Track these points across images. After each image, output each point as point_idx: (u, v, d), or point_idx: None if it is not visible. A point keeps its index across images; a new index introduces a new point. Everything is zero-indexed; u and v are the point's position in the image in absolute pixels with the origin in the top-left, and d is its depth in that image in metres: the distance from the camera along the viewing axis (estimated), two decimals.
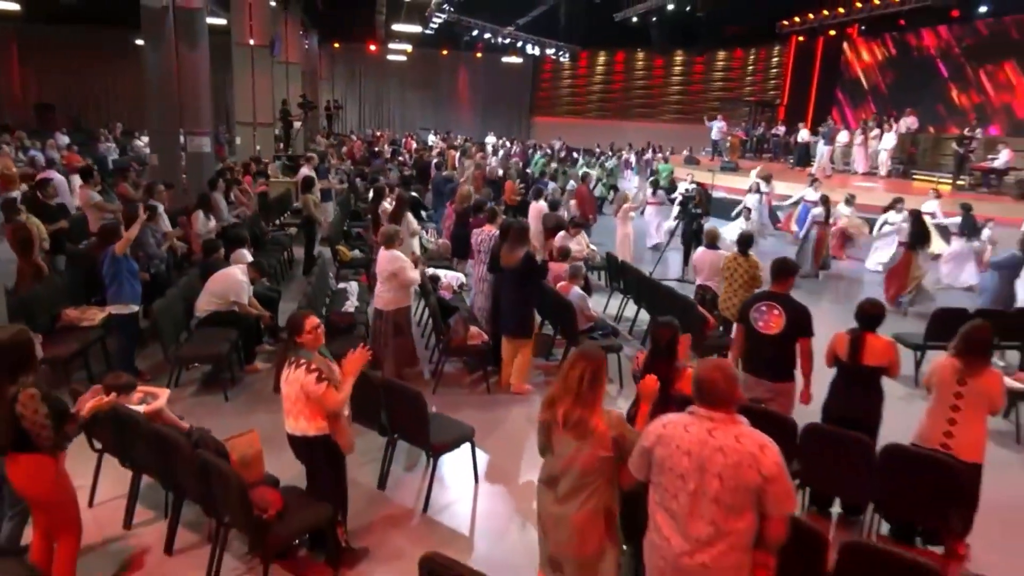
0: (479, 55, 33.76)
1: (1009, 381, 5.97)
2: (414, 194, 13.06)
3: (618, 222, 10.31)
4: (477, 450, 4.96)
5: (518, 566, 3.88)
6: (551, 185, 13.54)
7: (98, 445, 4.27)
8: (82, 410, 3.26)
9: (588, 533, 2.92)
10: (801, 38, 27.44)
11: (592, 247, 9.54)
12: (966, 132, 16.99)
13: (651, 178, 17.62)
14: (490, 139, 27.64)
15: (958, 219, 11.08)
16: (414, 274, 6.20)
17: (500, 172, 14.31)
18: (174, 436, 3.53)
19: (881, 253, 11.93)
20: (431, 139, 27.25)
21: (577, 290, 6.75)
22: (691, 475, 2.53)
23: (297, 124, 20.50)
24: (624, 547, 3.19)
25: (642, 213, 13.03)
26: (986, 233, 10.94)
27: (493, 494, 4.74)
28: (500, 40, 29.15)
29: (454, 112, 35.80)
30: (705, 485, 2.50)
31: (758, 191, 13.17)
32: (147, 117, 11.43)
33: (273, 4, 18.96)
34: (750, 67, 31.68)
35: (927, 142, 20.36)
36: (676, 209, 12.59)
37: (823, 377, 4.61)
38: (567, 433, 2.89)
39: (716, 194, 17.55)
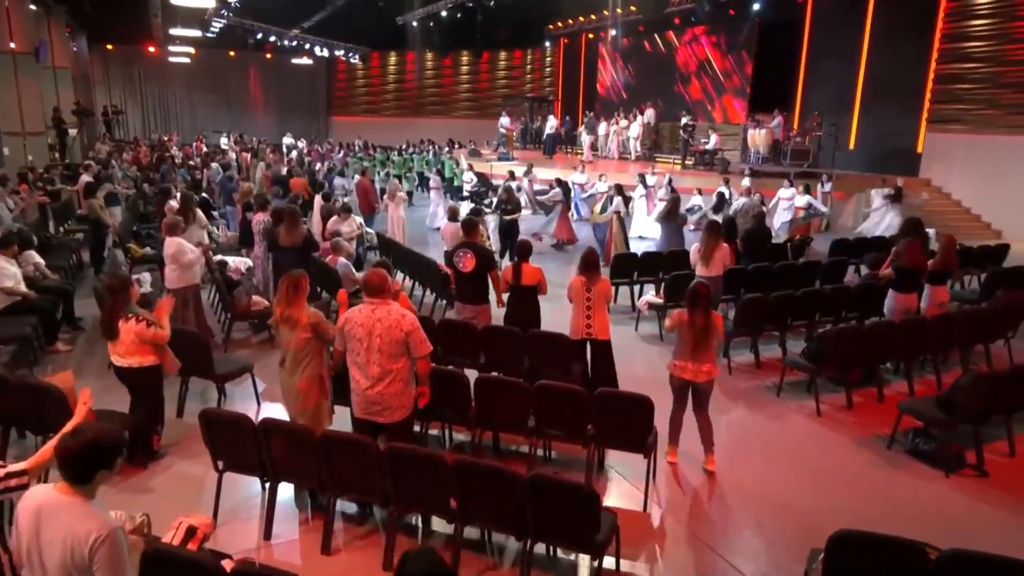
0: (269, 56, 33.82)
1: (654, 299, 8.49)
2: (204, 195, 13.84)
3: (391, 206, 11.94)
4: (263, 388, 6.38)
5: None
6: (337, 180, 14.93)
7: None
8: None
9: (307, 393, 4.55)
10: (566, 40, 30.88)
11: (368, 230, 11.11)
12: (685, 121, 20.72)
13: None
14: (287, 140, 28.13)
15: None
16: (191, 255, 7.36)
17: (284, 171, 15.36)
18: (1, 374, 4.63)
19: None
20: (223, 142, 27.18)
21: (343, 260, 8.31)
22: (364, 338, 4.21)
23: (72, 132, 19.90)
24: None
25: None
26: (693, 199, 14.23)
27: (273, 412, 6.16)
28: (287, 42, 29.61)
29: (248, 114, 35.48)
30: (372, 342, 4.20)
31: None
32: None
33: (34, 8, 18.30)
34: (528, 66, 34.80)
35: (666, 130, 24.32)
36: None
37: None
38: (284, 326, 4.49)
39: (495, 182, 19.91)
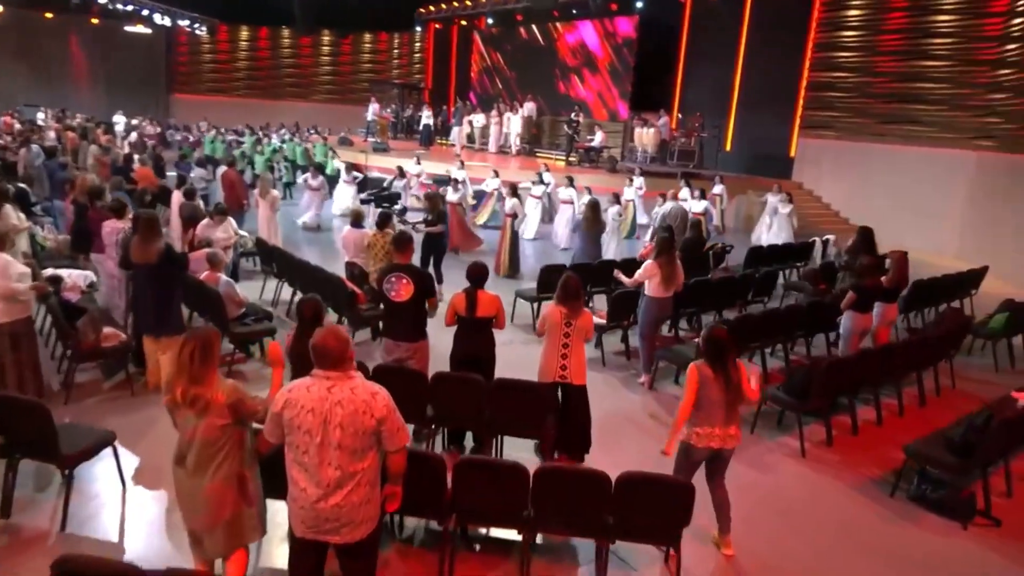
0: (95, 21, 29.46)
1: (595, 319, 7.59)
2: (22, 185, 11.23)
3: (262, 203, 10.17)
4: (127, 455, 4.77)
5: (182, 555, 3.89)
6: (195, 172, 12.77)
7: None
8: None
9: (222, 501, 3.17)
10: (438, 25, 29.47)
11: (242, 233, 9.32)
12: (571, 116, 20.20)
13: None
14: (119, 119, 24.54)
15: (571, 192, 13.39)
16: (18, 284, 5.40)
17: (123, 157, 12.95)
18: None
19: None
20: (40, 118, 23.22)
21: (224, 278, 6.67)
22: (317, 429, 2.89)
23: None
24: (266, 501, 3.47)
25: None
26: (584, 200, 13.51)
27: (147, 496, 4.57)
28: (120, 6, 25.86)
29: (70, 87, 30.78)
30: (329, 436, 2.89)
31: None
32: None
33: None
34: (395, 51, 32.93)
35: (546, 125, 23.74)
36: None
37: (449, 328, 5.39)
38: (188, 410, 3.08)
39: (370, 174, 18.31)
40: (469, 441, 5.38)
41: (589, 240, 9.83)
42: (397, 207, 10.73)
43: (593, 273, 8.52)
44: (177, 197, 9.29)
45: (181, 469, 3.20)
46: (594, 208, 9.88)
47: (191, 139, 21.91)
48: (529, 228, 13.89)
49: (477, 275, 5.13)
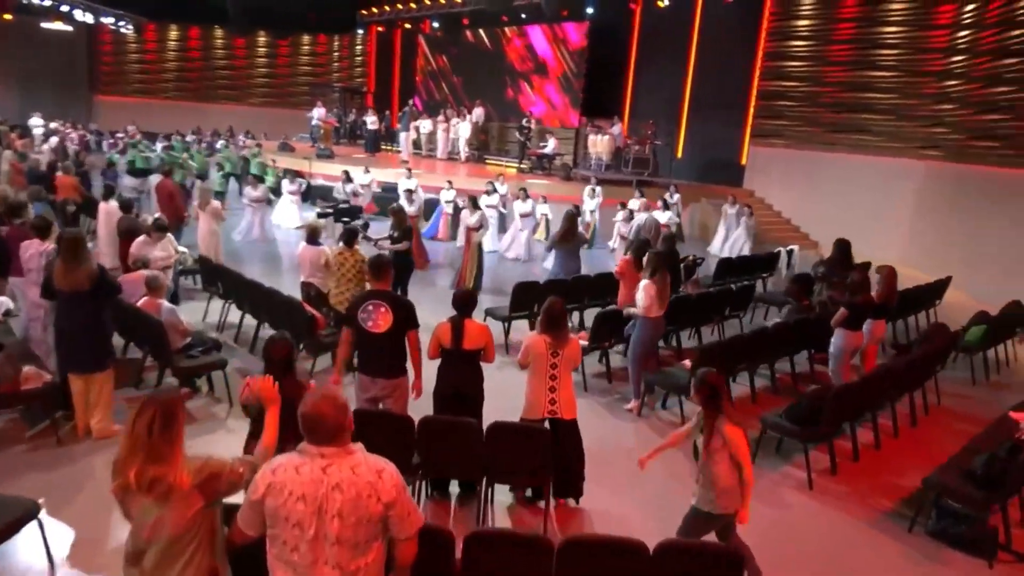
0: (9, 17, 27.38)
1: (581, 340, 7.13)
2: None
3: (202, 216, 9.32)
4: (55, 524, 4.03)
5: None
6: (124, 180, 11.75)
7: None
8: None
9: None
10: (380, 28, 28.65)
11: (182, 250, 8.48)
12: (523, 123, 19.79)
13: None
14: (36, 122, 22.81)
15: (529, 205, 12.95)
16: None
17: (44, 164, 11.80)
18: None
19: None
20: None
21: (167, 305, 5.90)
22: (309, 521, 2.31)
23: None
24: None
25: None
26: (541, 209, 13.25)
27: None
28: (37, 1, 24.04)
29: None
30: (325, 528, 2.31)
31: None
32: None
33: None
34: (335, 53, 31.89)
35: (495, 131, 23.25)
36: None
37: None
38: (145, 497, 2.44)
39: (314, 181, 17.46)
40: (454, 487, 4.85)
41: (567, 254, 9.25)
42: (359, 221, 9.97)
43: (568, 290, 8.05)
44: (105, 208, 8.37)
45: (135, 569, 2.53)
46: (572, 219, 9.28)
47: (119, 144, 20.45)
48: (489, 241, 13.36)
49: (464, 302, 4.59)
